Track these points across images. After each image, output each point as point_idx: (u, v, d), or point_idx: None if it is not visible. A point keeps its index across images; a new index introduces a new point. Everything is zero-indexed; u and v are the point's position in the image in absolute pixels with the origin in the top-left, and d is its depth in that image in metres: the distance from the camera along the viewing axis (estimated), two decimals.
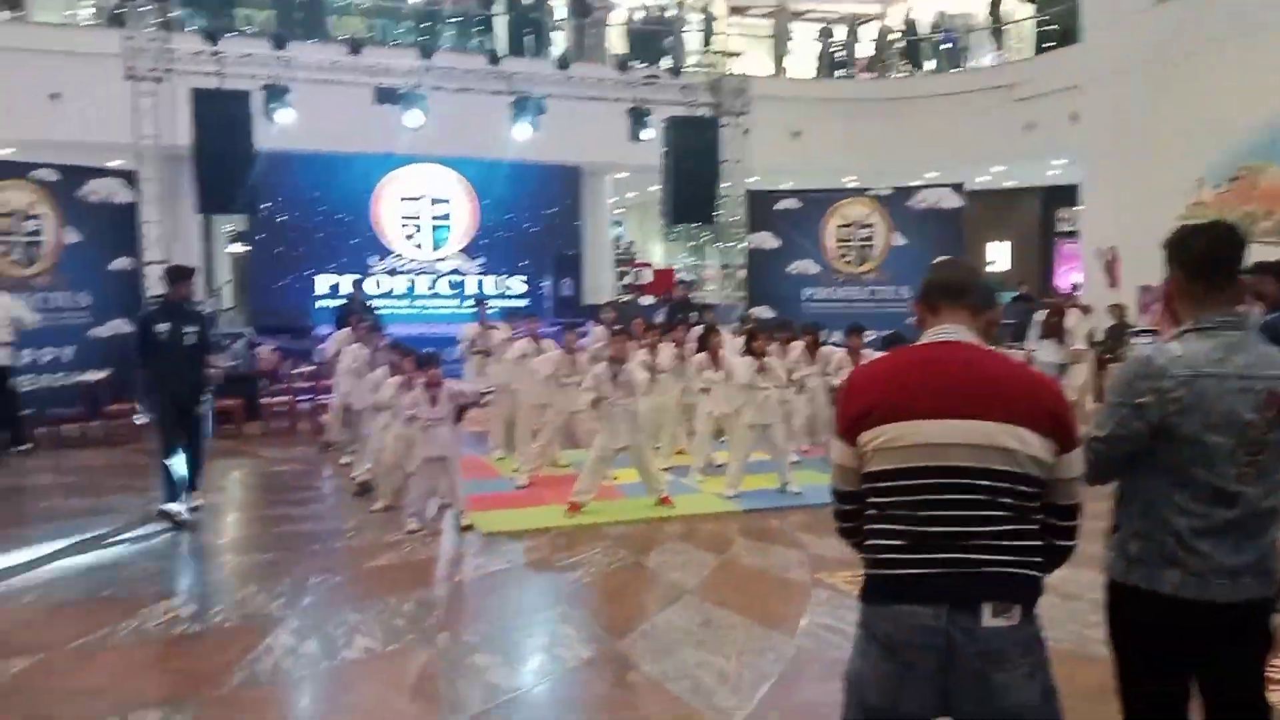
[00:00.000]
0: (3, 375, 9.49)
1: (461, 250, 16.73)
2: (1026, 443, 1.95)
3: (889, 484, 2.04)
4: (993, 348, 2.13)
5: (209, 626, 4.74)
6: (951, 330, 2.12)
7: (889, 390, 2.08)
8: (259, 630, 4.63)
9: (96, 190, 11.37)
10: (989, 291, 2.29)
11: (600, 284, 18.57)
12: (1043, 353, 10.36)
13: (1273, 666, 2.40)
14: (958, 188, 14.10)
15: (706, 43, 17.31)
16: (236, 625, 4.75)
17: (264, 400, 11.71)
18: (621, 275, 21.68)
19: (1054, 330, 10.55)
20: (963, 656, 1.94)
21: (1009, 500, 1.96)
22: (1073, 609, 4.92)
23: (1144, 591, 2.29)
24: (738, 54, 15.80)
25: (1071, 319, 10.64)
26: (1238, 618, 2.26)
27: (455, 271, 16.74)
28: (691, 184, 13.57)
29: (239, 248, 19.28)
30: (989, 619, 1.94)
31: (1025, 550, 1.99)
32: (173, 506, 6.69)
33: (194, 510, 6.86)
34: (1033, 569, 2.00)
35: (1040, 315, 10.80)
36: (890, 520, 2.03)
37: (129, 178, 11.71)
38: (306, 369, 12.25)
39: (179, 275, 7.10)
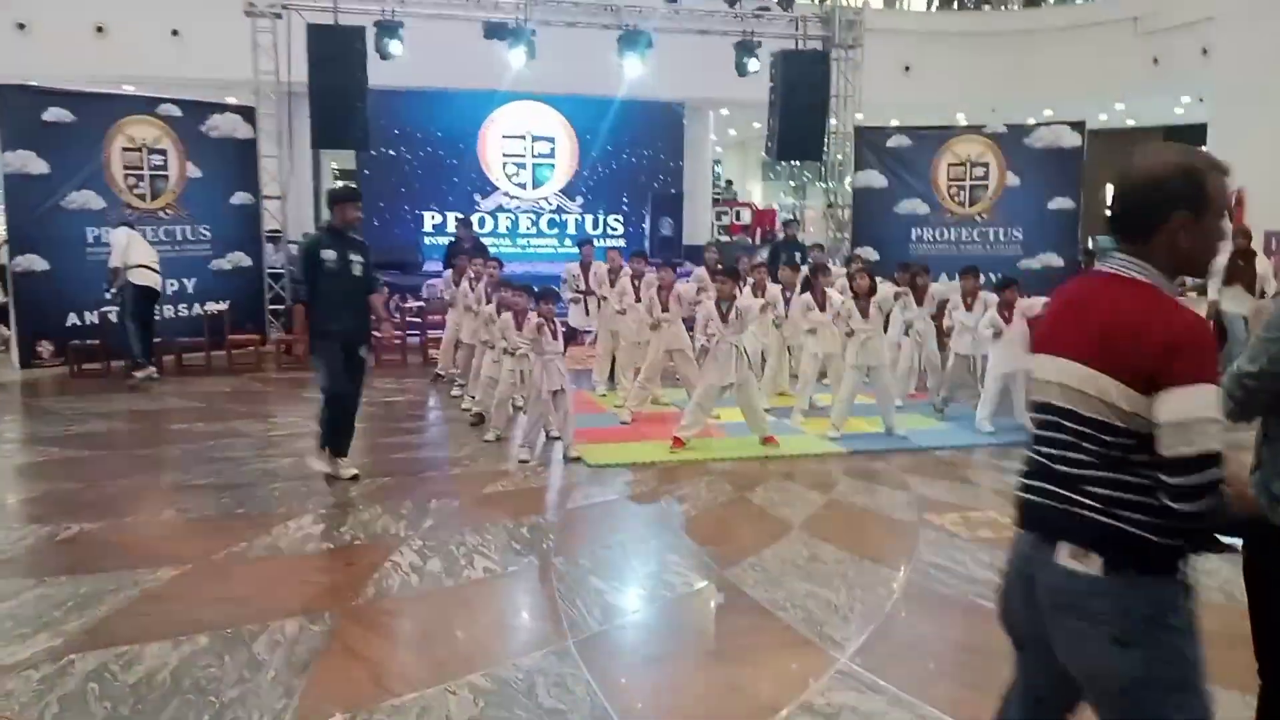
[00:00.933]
0: (152, 299, 9.96)
1: (562, 190, 16.82)
2: (1104, 391, 1.89)
3: (1029, 414, 2.15)
4: (1160, 289, 1.96)
5: (338, 544, 4.98)
6: (1117, 262, 2.05)
7: (1044, 321, 2.14)
8: (385, 548, 4.86)
9: (218, 125, 11.76)
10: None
11: (700, 224, 18.49)
12: (1229, 302, 9.25)
13: None
14: (1077, 126, 13.53)
15: None
16: (364, 543, 4.99)
17: (375, 334, 12.01)
18: (720, 215, 21.51)
19: (1240, 275, 9.13)
20: (1039, 591, 1.99)
21: (1093, 446, 1.91)
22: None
23: None
24: None
25: (1262, 264, 9.38)
26: None
27: (558, 210, 16.87)
28: (800, 120, 13.32)
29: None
30: (1063, 559, 1.93)
31: (1120, 502, 1.87)
32: (317, 464, 6.18)
33: (353, 478, 6.16)
34: (1131, 524, 1.86)
35: (1222, 259, 9.25)
36: (1027, 448, 2.11)
37: (248, 114, 12.07)
38: (416, 304, 12.56)
39: (345, 196, 6.21)
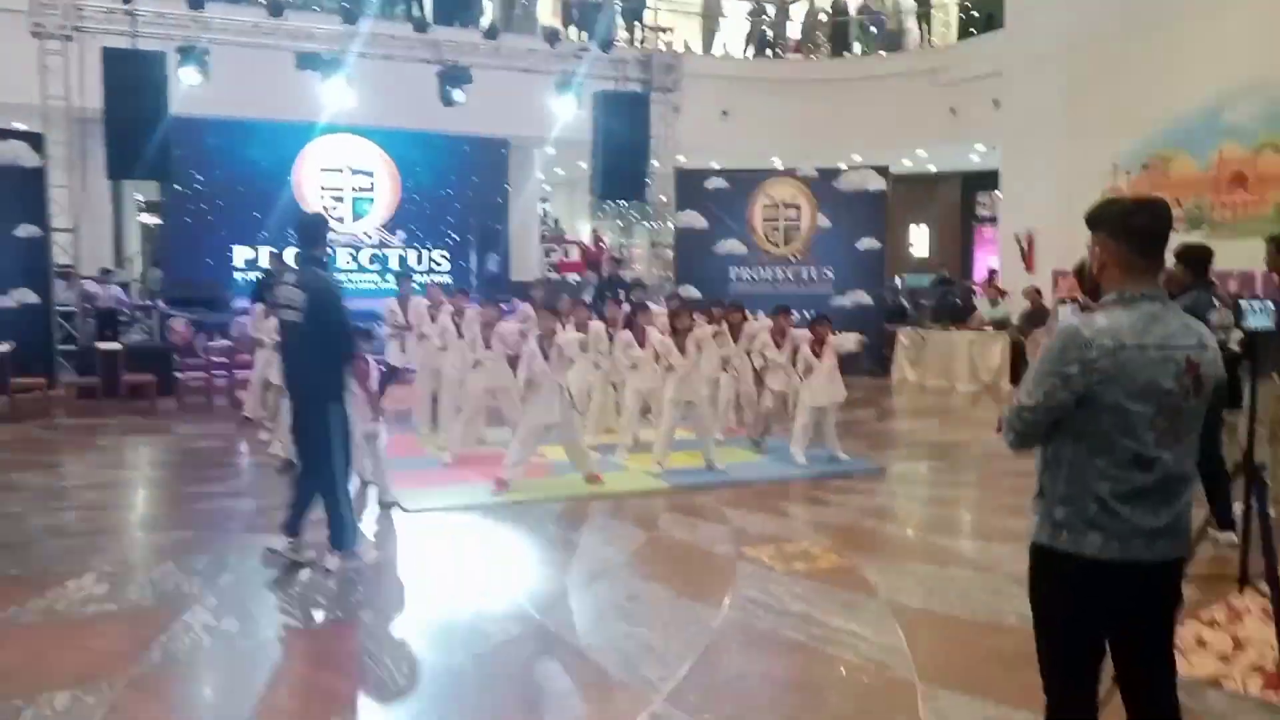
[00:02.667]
0: None
1: (383, 224, 16.45)
2: None
3: None
4: None
5: (123, 606, 4.60)
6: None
7: None
8: (176, 609, 4.51)
9: (0, 153, 10.88)
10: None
11: (527, 261, 18.45)
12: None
13: (1180, 634, 2.50)
14: (882, 171, 14.31)
15: (637, 18, 17.23)
16: (152, 604, 4.62)
17: (178, 375, 11.38)
18: (548, 252, 21.53)
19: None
20: None
21: None
22: (990, 582, 5.07)
23: (1069, 554, 2.37)
24: (668, 29, 15.76)
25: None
26: (1154, 577, 2.38)
27: (379, 244, 16.47)
28: (621, 160, 13.54)
29: (151, 218, 18.69)
30: None
31: None
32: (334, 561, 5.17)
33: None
34: None
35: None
36: None
37: (35, 140, 11.23)
38: (223, 343, 11.95)
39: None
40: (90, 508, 6.43)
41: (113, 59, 10.83)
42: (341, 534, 5.18)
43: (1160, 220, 2.42)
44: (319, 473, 5.17)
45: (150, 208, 19.11)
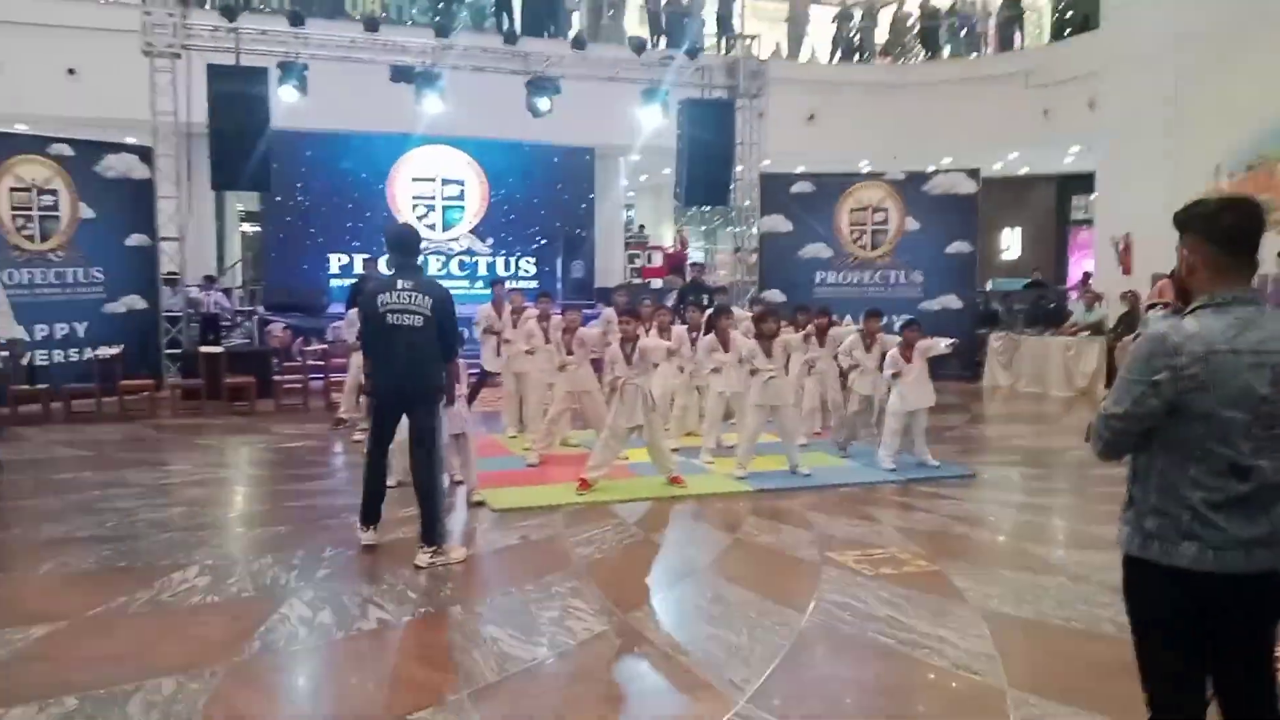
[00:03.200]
0: None
1: (472, 231, 16.75)
2: None
3: None
4: None
5: (224, 597, 4.78)
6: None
7: None
8: (274, 601, 4.68)
9: (113, 166, 11.46)
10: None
11: (611, 266, 18.58)
12: None
13: None
14: (973, 174, 14.03)
15: (724, 25, 17.25)
16: (252, 596, 4.79)
17: (276, 378, 11.78)
18: (632, 258, 21.66)
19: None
20: None
21: None
22: (1083, 590, 4.94)
23: (1161, 566, 2.31)
24: (755, 36, 15.72)
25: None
26: (1251, 589, 2.29)
27: (467, 252, 16.77)
28: (706, 166, 13.57)
29: (251, 227, 19.35)
30: None
31: None
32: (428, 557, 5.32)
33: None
34: None
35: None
36: None
37: (145, 154, 11.76)
38: (319, 347, 12.32)
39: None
40: (194, 503, 6.69)
41: (217, 75, 11.28)
42: (433, 530, 5.32)
43: (1250, 219, 2.34)
44: (428, 469, 5.39)
45: (250, 217, 19.81)
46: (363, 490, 5.62)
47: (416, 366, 5.35)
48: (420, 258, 5.52)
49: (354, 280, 13.25)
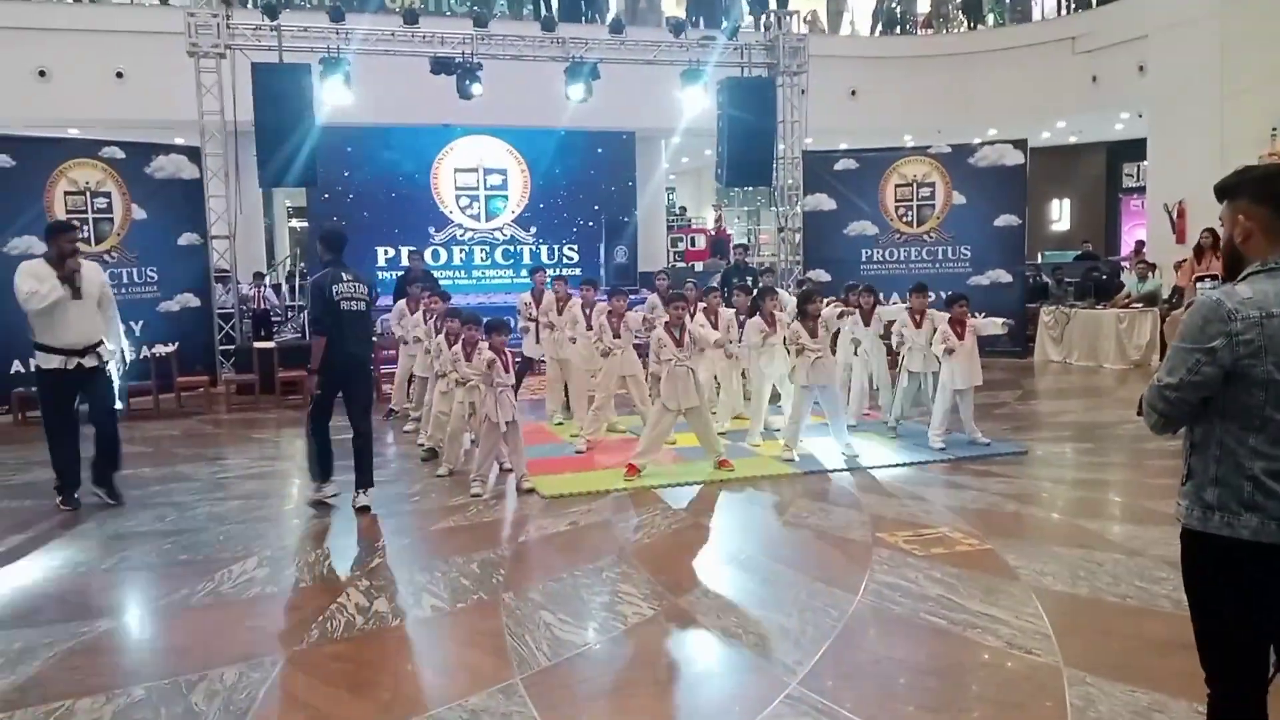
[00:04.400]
0: None
1: (515, 220, 16.82)
2: None
3: None
4: None
5: (283, 588, 4.88)
6: None
7: None
8: (331, 590, 4.77)
9: (163, 166, 11.66)
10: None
11: (654, 251, 18.56)
12: None
13: None
14: (1020, 144, 13.78)
15: (763, 3, 17.10)
16: (309, 585, 4.89)
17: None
18: (675, 242, 21.63)
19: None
20: None
21: None
22: (1138, 564, 4.87)
23: (1222, 539, 2.27)
24: (794, 12, 15.55)
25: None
26: None
27: (511, 240, 16.85)
28: (748, 146, 13.47)
29: (300, 222, 19.61)
30: None
31: None
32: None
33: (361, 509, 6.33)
34: None
35: None
36: None
37: (193, 154, 11.96)
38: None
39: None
40: (251, 496, 6.83)
41: (261, 73, 11.42)
42: (369, 475, 6.46)
43: None
44: (369, 423, 6.59)
45: (299, 212, 20.08)
46: (316, 452, 6.43)
47: (362, 344, 6.57)
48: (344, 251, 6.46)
49: (401, 273, 13.38)
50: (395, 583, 4.87)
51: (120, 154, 11.20)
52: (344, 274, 6.30)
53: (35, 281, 6.21)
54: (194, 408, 10.70)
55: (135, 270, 11.31)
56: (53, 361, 6.35)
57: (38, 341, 6.35)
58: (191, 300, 11.87)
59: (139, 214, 11.30)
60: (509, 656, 3.95)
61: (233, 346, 12.11)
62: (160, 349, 11.06)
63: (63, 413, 6.55)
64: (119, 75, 14.44)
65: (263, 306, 14.23)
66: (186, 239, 11.88)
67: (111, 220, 11.11)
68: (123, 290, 11.11)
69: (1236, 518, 2.25)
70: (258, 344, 11.66)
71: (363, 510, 6.24)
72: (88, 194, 10.90)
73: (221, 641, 4.15)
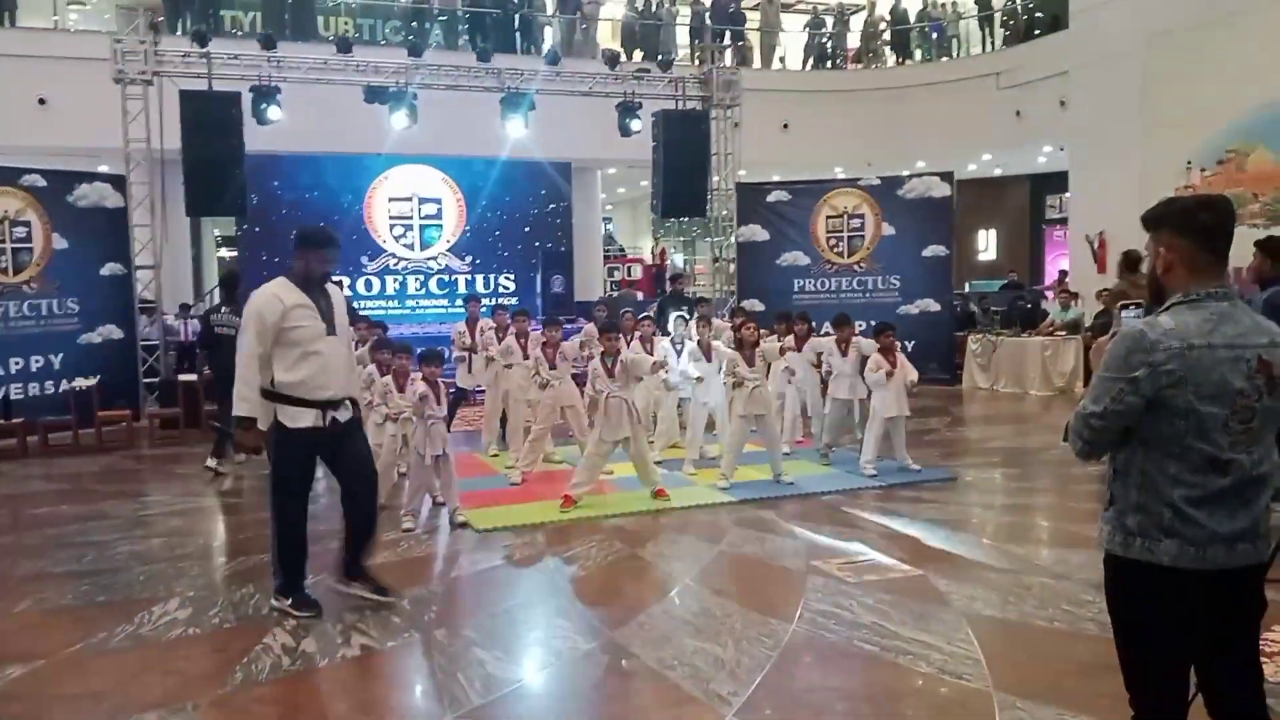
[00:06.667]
0: None
1: (450, 249, 16.71)
2: None
3: None
4: None
5: (206, 629, 4.73)
6: None
7: None
8: (257, 631, 4.63)
9: (86, 195, 11.34)
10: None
11: (591, 280, 18.58)
12: None
13: (1266, 639, 2.42)
14: (946, 176, 14.12)
15: (697, 37, 17.33)
16: (233, 626, 4.75)
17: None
18: (611, 271, 21.71)
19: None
20: None
21: None
22: (1065, 588, 4.96)
23: (1142, 564, 2.32)
24: (727, 46, 15.80)
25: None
26: (1234, 584, 2.31)
27: (446, 270, 16.73)
28: (682, 177, 13.60)
29: (229, 252, 19.26)
30: None
31: None
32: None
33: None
34: None
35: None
36: None
37: (118, 182, 11.68)
38: None
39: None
40: (173, 534, 6.63)
41: (190, 101, 11.22)
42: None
43: (1226, 216, 2.38)
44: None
45: (227, 242, 19.73)
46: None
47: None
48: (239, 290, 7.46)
49: None
50: (323, 622, 4.75)
51: (41, 182, 10.89)
52: (224, 308, 7.41)
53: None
54: (116, 443, 10.38)
55: (56, 301, 10.96)
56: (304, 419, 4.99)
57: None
58: (115, 332, 11.53)
59: (60, 243, 10.97)
60: (440, 695, 3.87)
61: (157, 379, 11.81)
62: (81, 382, 10.73)
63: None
64: (41, 102, 14.07)
65: (189, 339, 13.88)
66: (110, 269, 11.55)
67: (31, 250, 10.77)
68: (42, 322, 10.79)
69: (1157, 543, 2.30)
70: (183, 377, 11.38)
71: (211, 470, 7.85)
72: (6, 223, 10.57)
73: (140, 687, 4.00)
